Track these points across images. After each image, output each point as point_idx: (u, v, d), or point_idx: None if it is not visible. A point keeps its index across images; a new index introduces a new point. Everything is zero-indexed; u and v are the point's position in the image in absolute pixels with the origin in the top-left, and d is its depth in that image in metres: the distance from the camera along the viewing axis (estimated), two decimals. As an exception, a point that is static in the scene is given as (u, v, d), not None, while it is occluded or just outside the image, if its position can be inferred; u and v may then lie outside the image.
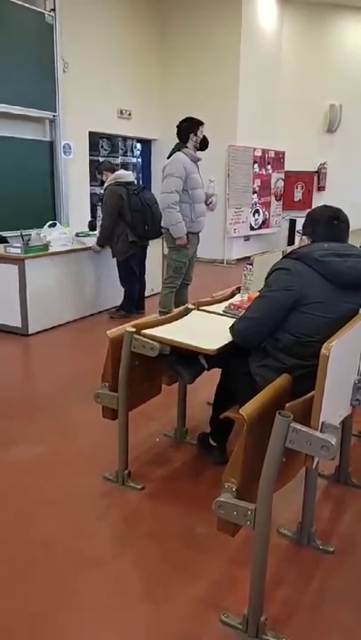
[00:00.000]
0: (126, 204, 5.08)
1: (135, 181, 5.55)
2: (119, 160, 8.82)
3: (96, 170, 5.51)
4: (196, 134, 4.49)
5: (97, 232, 5.43)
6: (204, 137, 4.55)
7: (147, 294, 5.73)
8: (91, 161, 7.99)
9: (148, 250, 5.58)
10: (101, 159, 8.50)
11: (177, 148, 4.51)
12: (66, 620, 1.75)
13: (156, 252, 6.07)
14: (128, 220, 5.12)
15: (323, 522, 2.29)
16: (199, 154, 4.60)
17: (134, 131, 8.80)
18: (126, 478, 2.51)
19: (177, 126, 4.54)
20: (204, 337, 2.34)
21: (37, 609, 1.79)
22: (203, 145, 4.58)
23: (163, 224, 4.64)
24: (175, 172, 4.41)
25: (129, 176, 5.34)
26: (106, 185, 5.21)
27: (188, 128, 4.50)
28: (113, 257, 5.30)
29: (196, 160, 4.54)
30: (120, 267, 5.35)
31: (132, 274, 5.39)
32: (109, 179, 5.20)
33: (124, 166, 8.67)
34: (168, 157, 4.56)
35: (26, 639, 1.69)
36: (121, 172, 5.36)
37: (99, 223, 5.59)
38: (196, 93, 8.74)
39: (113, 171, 5.32)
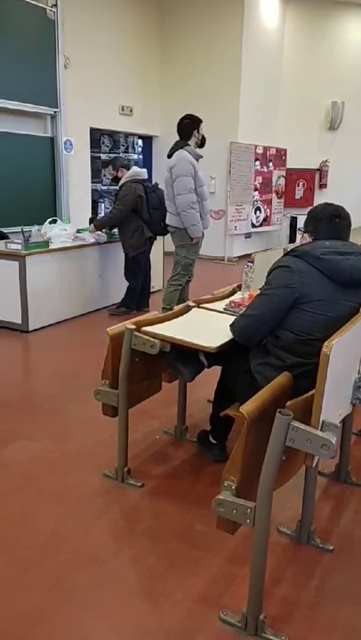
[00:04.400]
0: (145, 201, 5.12)
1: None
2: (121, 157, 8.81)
3: (110, 165, 5.48)
4: (198, 131, 4.47)
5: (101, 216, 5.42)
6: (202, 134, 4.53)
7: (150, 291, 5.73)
8: (92, 157, 7.98)
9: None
10: (103, 156, 8.50)
11: (179, 146, 4.48)
12: (65, 617, 1.75)
13: (156, 250, 6.06)
14: (145, 217, 5.15)
15: (322, 520, 2.29)
16: (199, 151, 4.58)
17: (135, 127, 8.78)
18: (126, 475, 2.51)
19: (178, 122, 4.50)
20: (204, 334, 2.34)
21: (36, 606, 1.79)
22: (202, 142, 4.56)
23: (171, 223, 4.62)
24: (185, 171, 4.38)
25: (144, 173, 5.35)
26: (123, 181, 5.20)
27: (192, 125, 4.46)
28: (125, 252, 5.29)
29: (198, 157, 4.52)
30: (128, 261, 5.35)
31: (139, 269, 5.39)
32: (126, 175, 5.20)
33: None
34: (168, 156, 4.53)
35: (25, 635, 1.69)
36: (137, 169, 5.36)
37: (101, 213, 5.56)
38: (198, 90, 8.72)
39: (128, 167, 5.32)
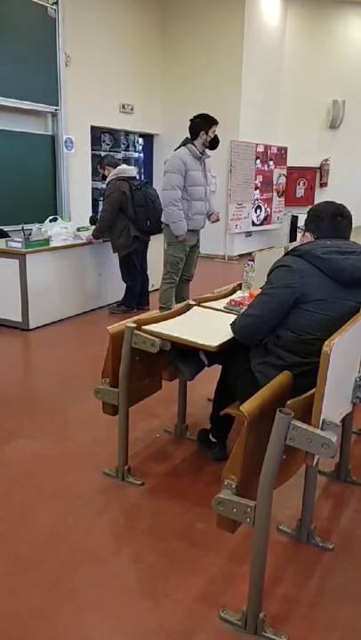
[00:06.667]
0: (129, 199, 5.06)
1: (137, 176, 5.51)
2: (121, 155, 8.80)
3: (98, 164, 5.47)
4: (207, 133, 4.39)
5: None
6: (215, 136, 4.45)
7: (149, 290, 5.72)
8: (93, 155, 7.98)
9: (150, 245, 5.57)
10: (103, 154, 8.49)
11: (183, 143, 4.47)
12: (65, 617, 1.75)
13: (157, 248, 6.05)
14: (131, 216, 5.09)
15: (322, 519, 2.29)
16: (209, 152, 4.55)
17: (136, 125, 8.77)
18: (126, 474, 2.51)
19: (190, 120, 4.47)
20: (204, 333, 2.34)
21: (36, 605, 1.79)
22: (213, 144, 4.48)
23: (163, 220, 4.62)
24: (172, 168, 4.37)
25: (132, 171, 5.30)
26: (109, 179, 5.17)
27: (201, 125, 4.40)
28: (114, 252, 5.29)
29: (199, 157, 4.48)
30: (122, 262, 5.34)
31: (134, 269, 5.37)
32: (112, 173, 5.17)
33: (126, 161, 8.66)
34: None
35: (25, 634, 1.69)
36: (124, 166, 5.32)
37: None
38: (199, 89, 8.71)
39: (115, 165, 5.28)
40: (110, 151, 8.59)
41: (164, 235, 4.71)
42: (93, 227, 5.64)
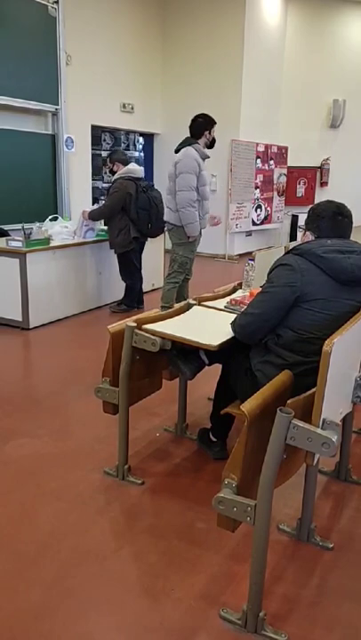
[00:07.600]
0: (134, 200, 5.04)
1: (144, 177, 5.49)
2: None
3: (107, 157, 5.42)
4: (210, 132, 4.45)
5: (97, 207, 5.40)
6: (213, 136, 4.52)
7: (147, 289, 5.71)
8: (93, 155, 7.98)
9: (149, 245, 5.57)
10: (103, 153, 8.48)
11: (187, 143, 4.46)
12: (65, 614, 1.76)
13: (157, 248, 6.05)
14: (133, 217, 5.08)
15: (322, 518, 2.29)
16: (207, 151, 4.57)
17: (137, 125, 8.77)
18: (126, 473, 2.51)
19: (192, 120, 4.47)
20: (205, 332, 2.34)
21: (37, 603, 1.80)
22: (212, 143, 4.55)
23: (170, 220, 4.61)
24: (189, 168, 4.36)
25: (140, 172, 5.26)
26: (116, 177, 5.15)
27: (204, 125, 4.44)
28: (111, 248, 5.28)
29: (204, 157, 4.50)
30: (121, 261, 5.33)
31: (133, 267, 5.37)
32: (121, 171, 5.13)
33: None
34: (176, 151, 4.52)
35: (25, 633, 1.69)
36: (133, 166, 5.26)
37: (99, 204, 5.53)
38: (200, 88, 8.71)
39: (125, 162, 5.22)
40: (111, 150, 8.58)
41: (173, 235, 4.68)
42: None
